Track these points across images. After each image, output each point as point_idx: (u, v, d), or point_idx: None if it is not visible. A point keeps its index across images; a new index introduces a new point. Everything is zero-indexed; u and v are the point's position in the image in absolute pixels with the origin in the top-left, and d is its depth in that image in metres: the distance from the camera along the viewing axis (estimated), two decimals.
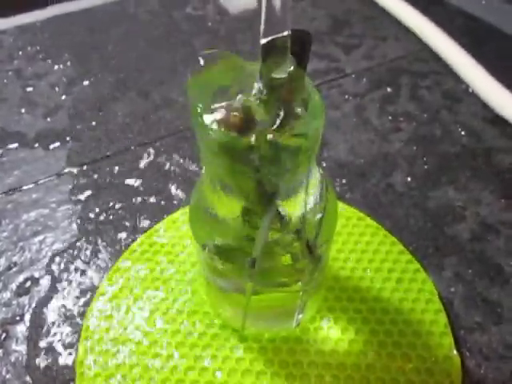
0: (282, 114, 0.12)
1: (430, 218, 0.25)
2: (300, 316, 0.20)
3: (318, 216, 0.17)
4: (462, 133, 0.30)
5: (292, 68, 0.12)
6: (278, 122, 0.12)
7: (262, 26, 0.12)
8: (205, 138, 0.13)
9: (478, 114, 0.31)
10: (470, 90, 0.33)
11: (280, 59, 0.12)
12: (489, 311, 0.21)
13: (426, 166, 0.28)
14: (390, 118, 0.31)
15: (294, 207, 0.16)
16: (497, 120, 0.31)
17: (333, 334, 0.20)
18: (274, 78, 0.12)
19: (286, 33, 0.12)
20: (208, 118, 0.13)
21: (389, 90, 0.33)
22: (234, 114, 0.12)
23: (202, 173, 0.17)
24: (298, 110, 0.13)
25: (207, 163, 0.15)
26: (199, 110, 0.13)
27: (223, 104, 0.13)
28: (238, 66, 0.13)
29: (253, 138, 0.12)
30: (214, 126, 0.13)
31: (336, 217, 0.18)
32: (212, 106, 0.13)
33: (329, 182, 0.18)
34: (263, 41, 0.12)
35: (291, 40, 0.12)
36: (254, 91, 0.13)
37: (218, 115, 0.13)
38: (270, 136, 0.12)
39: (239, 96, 0.13)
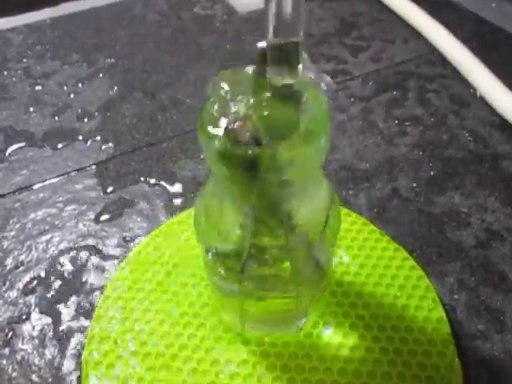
0: (285, 124, 0.12)
1: (434, 223, 0.25)
2: (303, 321, 0.20)
3: (322, 222, 0.17)
4: (469, 138, 0.30)
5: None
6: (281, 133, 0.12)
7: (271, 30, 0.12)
8: (209, 148, 0.13)
9: (486, 119, 0.31)
10: (478, 95, 0.33)
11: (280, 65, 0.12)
12: (492, 320, 0.21)
13: (431, 172, 0.28)
14: (396, 121, 0.31)
15: (298, 213, 0.16)
16: (504, 125, 0.30)
17: (335, 339, 0.20)
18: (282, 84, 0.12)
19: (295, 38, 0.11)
20: (213, 129, 0.13)
21: (396, 93, 0.33)
22: (239, 124, 0.13)
23: (208, 177, 0.17)
24: (302, 120, 0.13)
25: (212, 169, 0.15)
26: (205, 120, 0.13)
27: (228, 114, 0.13)
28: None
29: (258, 150, 0.12)
30: (219, 136, 0.13)
31: (339, 222, 0.18)
32: (217, 116, 0.13)
33: (332, 188, 0.18)
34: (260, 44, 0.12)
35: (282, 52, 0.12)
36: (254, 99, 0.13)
37: (223, 125, 0.13)
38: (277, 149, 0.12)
39: (243, 105, 0.13)
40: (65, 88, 0.35)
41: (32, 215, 0.27)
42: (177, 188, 0.28)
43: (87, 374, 0.20)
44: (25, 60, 0.37)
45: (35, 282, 0.23)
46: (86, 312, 0.22)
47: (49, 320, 0.22)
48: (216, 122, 0.13)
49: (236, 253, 0.17)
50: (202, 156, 0.29)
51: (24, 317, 0.22)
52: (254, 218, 0.15)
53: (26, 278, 0.24)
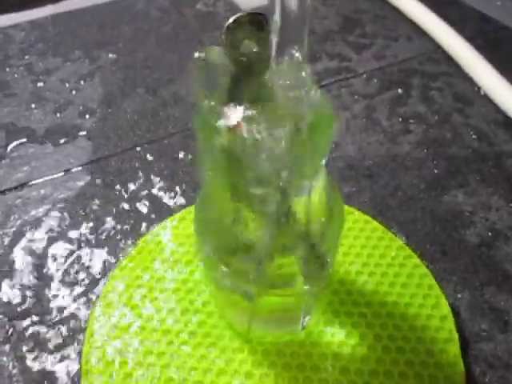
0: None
1: (438, 222, 0.25)
2: (306, 319, 0.20)
3: (324, 219, 0.17)
4: (473, 136, 0.30)
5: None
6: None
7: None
8: (212, 142, 0.13)
9: (490, 117, 0.31)
10: (482, 93, 0.32)
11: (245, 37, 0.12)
12: (495, 319, 0.21)
13: (435, 170, 0.28)
14: (399, 119, 0.31)
15: (300, 210, 0.16)
16: (508, 123, 0.30)
17: (337, 337, 0.20)
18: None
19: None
20: (215, 123, 0.13)
21: (399, 91, 0.33)
22: (241, 119, 0.12)
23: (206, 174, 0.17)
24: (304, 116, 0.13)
25: (211, 166, 0.15)
26: (208, 115, 0.13)
27: (229, 108, 0.13)
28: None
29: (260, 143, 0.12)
30: (223, 132, 0.12)
31: (342, 220, 0.18)
32: (218, 111, 0.13)
33: (335, 186, 0.17)
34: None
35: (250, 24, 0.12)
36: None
37: (226, 121, 0.12)
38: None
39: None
40: (66, 84, 0.35)
41: (33, 212, 0.26)
42: (178, 186, 0.27)
43: (86, 370, 0.19)
44: (27, 57, 0.37)
45: (36, 278, 0.23)
46: (86, 308, 0.22)
47: (48, 316, 0.22)
48: (217, 115, 0.13)
49: (236, 250, 0.16)
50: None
51: (25, 314, 0.22)
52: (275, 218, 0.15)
53: (27, 276, 0.24)
